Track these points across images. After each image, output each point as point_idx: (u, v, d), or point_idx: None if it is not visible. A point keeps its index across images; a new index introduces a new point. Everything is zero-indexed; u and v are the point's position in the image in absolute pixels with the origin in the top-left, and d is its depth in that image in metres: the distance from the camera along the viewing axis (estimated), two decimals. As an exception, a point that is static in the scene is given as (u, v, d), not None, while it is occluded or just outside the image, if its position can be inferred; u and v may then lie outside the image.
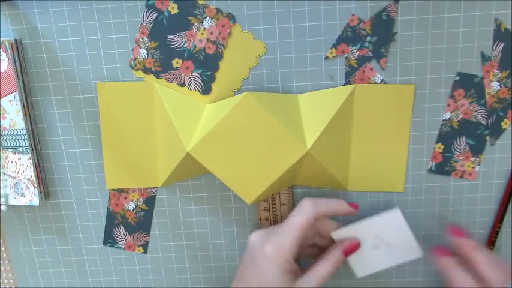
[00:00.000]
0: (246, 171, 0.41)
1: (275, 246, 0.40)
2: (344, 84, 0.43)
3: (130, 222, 0.48)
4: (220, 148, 0.40)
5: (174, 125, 0.41)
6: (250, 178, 0.41)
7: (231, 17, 0.42)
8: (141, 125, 0.45)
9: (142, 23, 0.42)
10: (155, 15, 0.42)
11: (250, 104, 0.39)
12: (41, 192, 0.46)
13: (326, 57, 0.43)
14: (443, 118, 0.44)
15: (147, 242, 0.49)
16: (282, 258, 0.40)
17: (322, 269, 0.41)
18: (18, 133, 0.44)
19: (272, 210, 0.46)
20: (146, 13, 0.42)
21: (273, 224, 0.47)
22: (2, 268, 0.51)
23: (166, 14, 0.42)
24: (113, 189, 0.47)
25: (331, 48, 0.43)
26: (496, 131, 0.44)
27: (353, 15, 0.42)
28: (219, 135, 0.40)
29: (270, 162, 0.40)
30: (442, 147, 0.45)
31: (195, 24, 0.42)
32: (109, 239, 0.49)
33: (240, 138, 0.40)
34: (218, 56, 0.43)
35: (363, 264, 0.44)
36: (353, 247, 0.42)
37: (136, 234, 0.48)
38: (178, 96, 0.44)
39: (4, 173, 0.45)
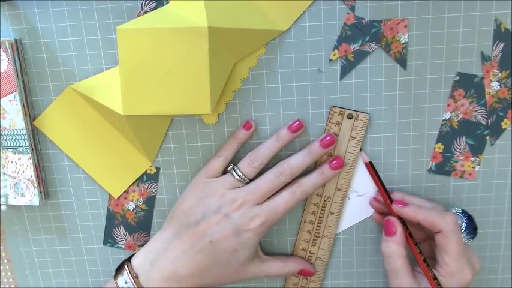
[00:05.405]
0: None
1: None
2: (340, 80, 0.43)
3: (130, 222, 0.48)
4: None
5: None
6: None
7: (231, 17, 0.42)
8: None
9: (140, 11, 0.42)
10: (154, 4, 0.42)
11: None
12: (41, 192, 0.46)
13: (330, 60, 0.43)
14: (443, 118, 0.44)
15: (147, 242, 0.49)
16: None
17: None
18: (18, 133, 0.44)
19: (319, 216, 0.46)
20: (145, 1, 0.42)
21: (315, 230, 0.47)
22: (2, 268, 0.51)
23: (165, 3, 0.42)
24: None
25: (333, 50, 0.42)
26: (496, 131, 0.44)
27: (348, 13, 0.42)
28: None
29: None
30: (442, 147, 0.45)
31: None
32: (109, 239, 0.49)
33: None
34: (218, 56, 0.43)
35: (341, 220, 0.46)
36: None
37: (136, 234, 0.48)
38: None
39: (4, 173, 0.45)
